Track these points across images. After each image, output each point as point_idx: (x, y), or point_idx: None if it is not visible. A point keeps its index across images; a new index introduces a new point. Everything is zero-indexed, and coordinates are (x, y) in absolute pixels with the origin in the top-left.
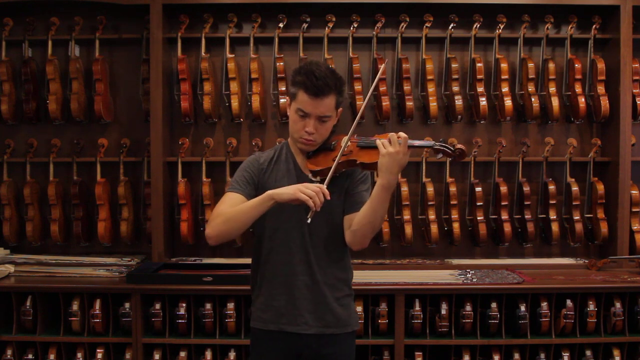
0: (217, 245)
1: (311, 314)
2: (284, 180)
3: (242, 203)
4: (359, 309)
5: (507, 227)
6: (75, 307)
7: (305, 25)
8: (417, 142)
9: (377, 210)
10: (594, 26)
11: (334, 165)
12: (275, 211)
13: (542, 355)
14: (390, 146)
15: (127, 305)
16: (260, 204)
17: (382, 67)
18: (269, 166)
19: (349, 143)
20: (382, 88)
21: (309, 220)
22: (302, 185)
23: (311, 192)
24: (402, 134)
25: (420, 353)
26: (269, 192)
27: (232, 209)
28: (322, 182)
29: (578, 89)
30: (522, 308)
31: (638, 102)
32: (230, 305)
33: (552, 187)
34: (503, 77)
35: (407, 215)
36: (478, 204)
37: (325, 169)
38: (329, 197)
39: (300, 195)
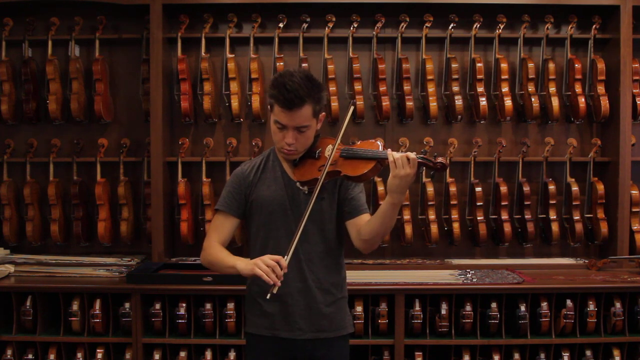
0: None
1: (305, 320)
2: (272, 188)
3: (230, 226)
4: (359, 309)
5: (507, 227)
6: (75, 307)
7: (305, 25)
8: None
9: (387, 223)
10: (594, 26)
11: (320, 180)
12: (264, 221)
13: (542, 355)
14: (403, 168)
15: (127, 305)
16: (227, 268)
17: (350, 109)
18: (256, 175)
19: (331, 156)
20: (382, 88)
21: (267, 296)
22: (259, 260)
23: (266, 268)
24: (410, 154)
25: (420, 353)
26: (235, 263)
27: (214, 253)
28: (309, 191)
29: (578, 89)
30: (522, 308)
31: (638, 102)
32: (230, 305)
33: (552, 187)
34: (503, 77)
35: (407, 215)
36: (478, 204)
37: (311, 180)
38: (285, 270)
39: (256, 271)
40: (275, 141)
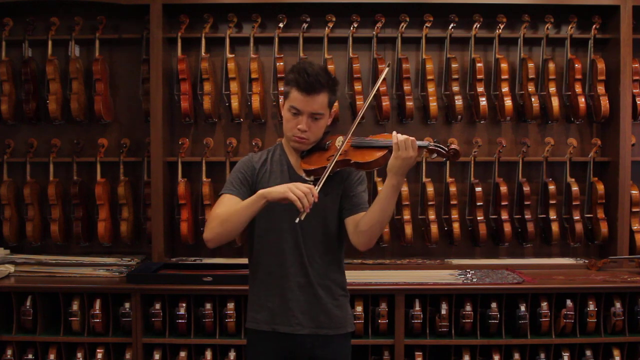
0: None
1: (304, 315)
2: (277, 180)
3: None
4: (359, 309)
5: (507, 227)
6: (75, 307)
7: (305, 25)
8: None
9: (386, 210)
10: (594, 26)
11: (332, 164)
12: (266, 212)
13: (542, 355)
14: (405, 150)
15: (127, 305)
16: (252, 204)
17: (385, 70)
18: (263, 167)
19: (344, 143)
20: (382, 88)
21: (297, 220)
22: (292, 185)
23: (300, 192)
24: (411, 138)
25: (420, 353)
26: (261, 191)
27: (227, 210)
28: (315, 181)
29: (578, 89)
30: (522, 308)
31: (638, 102)
32: (230, 305)
33: (552, 187)
34: (503, 77)
35: (407, 215)
36: (478, 204)
37: (319, 169)
38: (316, 200)
39: (289, 195)
40: (286, 130)
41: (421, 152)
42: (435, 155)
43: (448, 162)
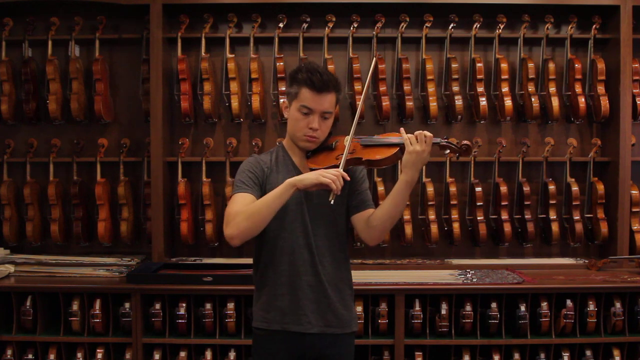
0: (239, 245)
1: (314, 314)
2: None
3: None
4: (359, 309)
5: (507, 227)
6: (75, 307)
7: (305, 25)
8: None
9: (399, 205)
10: (594, 26)
11: (343, 160)
12: (279, 213)
13: (542, 355)
14: (417, 144)
15: (127, 305)
16: (282, 193)
17: (372, 63)
18: (270, 168)
19: (350, 142)
20: (382, 88)
21: (332, 202)
22: (322, 171)
23: (332, 176)
24: (427, 132)
25: (420, 353)
26: (289, 180)
27: (250, 205)
28: None
29: (578, 89)
30: (522, 308)
31: (638, 102)
32: (230, 305)
33: (552, 187)
34: (503, 77)
35: (407, 215)
36: (478, 204)
37: (329, 168)
38: (348, 179)
39: (323, 180)
40: (295, 130)
41: (434, 147)
42: (448, 151)
43: (458, 157)
